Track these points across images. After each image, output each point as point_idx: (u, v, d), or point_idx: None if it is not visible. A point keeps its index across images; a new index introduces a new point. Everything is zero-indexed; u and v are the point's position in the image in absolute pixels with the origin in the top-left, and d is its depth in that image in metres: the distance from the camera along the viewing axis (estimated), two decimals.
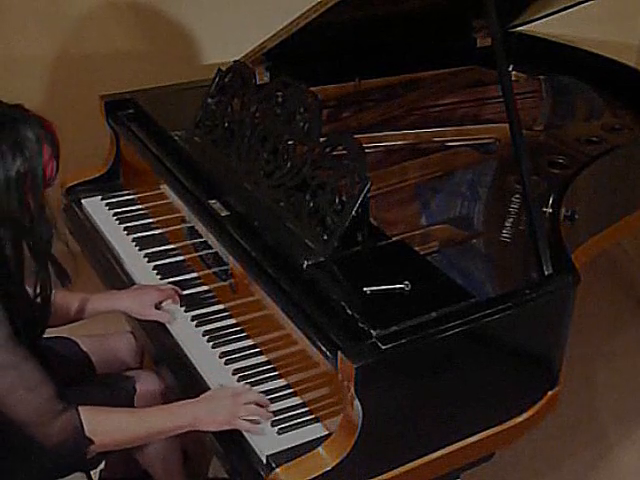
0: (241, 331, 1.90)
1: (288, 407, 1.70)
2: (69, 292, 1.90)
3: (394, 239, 1.83)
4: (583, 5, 2.63)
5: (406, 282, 1.63)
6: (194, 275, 2.10)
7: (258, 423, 1.64)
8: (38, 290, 1.66)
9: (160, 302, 1.97)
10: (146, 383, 1.87)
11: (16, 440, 1.68)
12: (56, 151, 1.62)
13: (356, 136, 1.86)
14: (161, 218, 2.27)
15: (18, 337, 1.56)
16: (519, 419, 1.74)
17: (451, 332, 1.55)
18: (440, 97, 2.64)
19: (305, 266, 1.71)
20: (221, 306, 1.98)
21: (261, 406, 1.66)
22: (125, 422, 1.64)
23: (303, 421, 1.67)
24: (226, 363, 1.82)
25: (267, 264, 1.76)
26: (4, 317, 1.54)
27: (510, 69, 2.63)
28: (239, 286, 1.89)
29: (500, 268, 1.93)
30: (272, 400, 1.72)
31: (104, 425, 1.62)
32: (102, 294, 2.04)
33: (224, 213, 1.93)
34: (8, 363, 1.53)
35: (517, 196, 2.10)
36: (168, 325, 1.95)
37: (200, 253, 2.06)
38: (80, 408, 1.59)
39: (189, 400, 1.70)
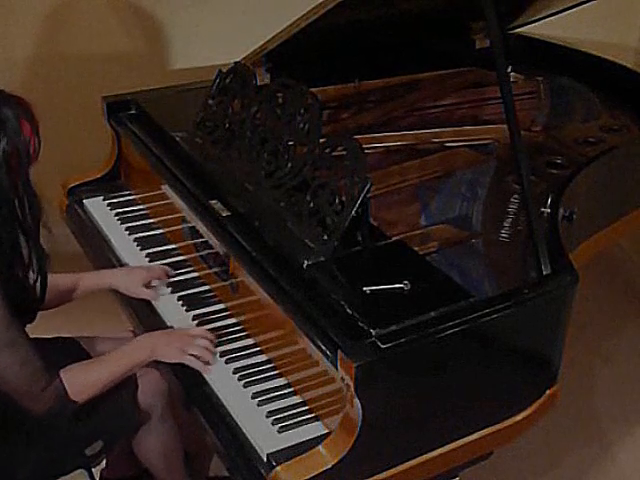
0: (241, 330, 1.91)
1: (288, 406, 1.71)
2: (57, 274, 1.95)
3: (394, 239, 1.84)
4: (581, 7, 2.64)
5: (405, 282, 1.64)
6: (195, 275, 2.11)
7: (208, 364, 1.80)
8: (35, 269, 1.71)
9: (149, 281, 2.03)
10: (148, 379, 1.88)
11: (17, 428, 1.73)
12: (35, 127, 1.65)
13: (356, 137, 1.87)
14: (162, 218, 2.28)
15: (13, 316, 1.61)
16: (517, 418, 1.75)
17: (450, 331, 1.56)
18: (439, 98, 2.65)
19: (305, 266, 1.72)
20: (221, 305, 2.00)
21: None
22: (97, 374, 1.74)
23: (303, 419, 1.68)
24: (226, 362, 1.83)
25: (267, 264, 1.77)
26: (1, 297, 1.59)
27: (509, 70, 2.64)
28: (239, 286, 1.90)
29: (499, 268, 1.94)
30: (272, 399, 1.73)
31: (81, 383, 1.70)
32: (92, 273, 2.10)
33: (225, 213, 1.94)
34: (6, 341, 1.59)
35: (516, 196, 2.11)
36: (168, 324, 1.96)
37: (201, 253, 2.07)
38: (61, 375, 1.68)
39: (147, 334, 1.86)
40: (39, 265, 1.72)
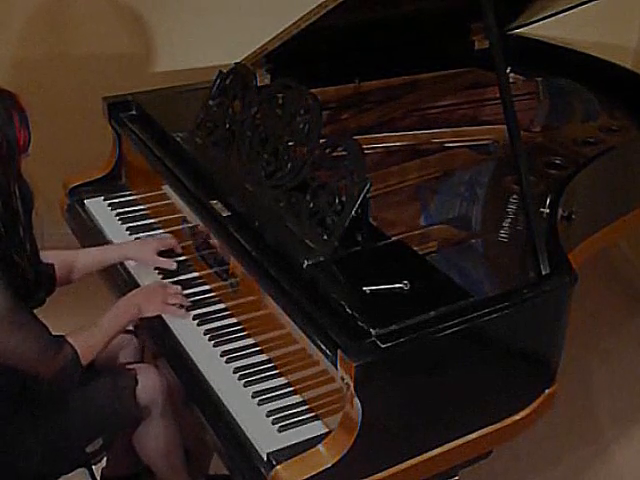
0: (242, 330, 1.92)
1: (288, 405, 1.72)
2: (66, 250, 2.05)
3: (393, 239, 1.85)
4: (580, 8, 2.65)
5: (405, 282, 1.65)
6: (195, 275, 2.11)
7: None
8: (29, 257, 1.74)
9: (162, 250, 2.11)
10: (147, 376, 1.89)
11: (22, 419, 1.76)
12: (25, 119, 1.69)
13: (356, 137, 1.88)
14: (163, 218, 2.29)
15: (18, 300, 1.67)
16: (516, 417, 1.76)
17: (449, 331, 1.57)
18: (439, 99, 2.66)
19: (305, 266, 1.72)
20: (222, 305, 2.00)
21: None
22: (94, 337, 1.82)
23: (303, 419, 1.69)
24: (227, 362, 1.84)
25: (268, 264, 1.78)
26: (5, 281, 1.63)
27: (508, 71, 2.64)
28: (240, 285, 1.91)
29: (498, 268, 1.95)
30: (272, 398, 1.74)
31: (84, 346, 1.78)
32: (105, 247, 2.19)
33: (225, 213, 1.94)
34: (17, 321, 1.66)
35: (515, 197, 2.12)
36: (169, 323, 1.97)
37: (201, 253, 2.07)
38: (67, 339, 1.76)
39: (130, 294, 1.95)
40: (32, 253, 1.75)
